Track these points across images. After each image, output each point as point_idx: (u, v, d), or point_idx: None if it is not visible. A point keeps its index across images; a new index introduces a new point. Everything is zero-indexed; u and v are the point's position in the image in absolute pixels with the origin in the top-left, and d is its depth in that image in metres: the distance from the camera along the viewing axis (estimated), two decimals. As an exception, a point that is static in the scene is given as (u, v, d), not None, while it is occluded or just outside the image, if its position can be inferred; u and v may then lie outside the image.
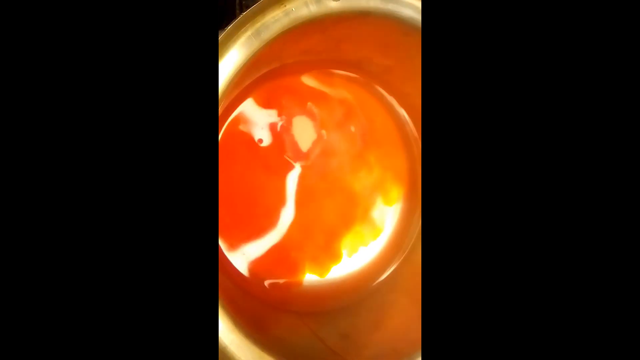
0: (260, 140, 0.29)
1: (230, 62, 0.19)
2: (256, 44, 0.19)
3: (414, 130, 0.32)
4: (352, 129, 0.31)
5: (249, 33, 0.19)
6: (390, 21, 0.23)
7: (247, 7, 0.20)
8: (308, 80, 0.30)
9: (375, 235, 0.32)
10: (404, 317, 0.28)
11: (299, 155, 0.30)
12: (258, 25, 0.19)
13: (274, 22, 0.19)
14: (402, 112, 0.32)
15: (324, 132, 0.30)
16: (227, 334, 0.22)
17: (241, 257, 0.30)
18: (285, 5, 0.19)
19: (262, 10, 0.19)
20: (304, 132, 0.30)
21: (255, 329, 0.24)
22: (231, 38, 0.19)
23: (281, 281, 0.30)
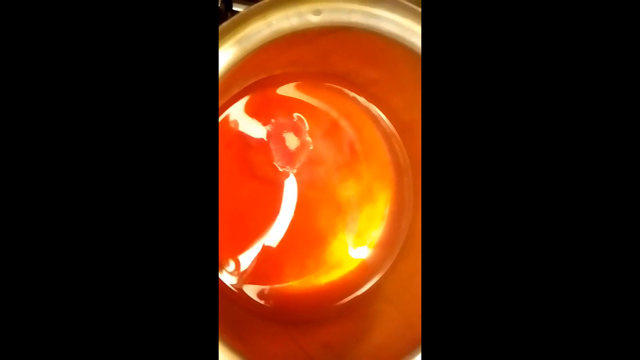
0: (248, 149, 0.30)
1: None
2: (238, 54, 0.20)
3: (401, 143, 0.32)
4: (341, 139, 0.32)
5: (230, 42, 0.20)
6: (372, 35, 0.23)
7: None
8: (296, 91, 0.30)
9: (361, 245, 0.32)
10: (389, 328, 0.28)
11: (287, 165, 0.31)
12: (239, 35, 0.20)
13: (255, 32, 0.20)
14: (389, 124, 0.32)
15: (312, 142, 0.31)
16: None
17: (224, 264, 0.30)
18: (266, 18, 0.20)
19: (244, 21, 0.20)
20: (292, 142, 0.31)
21: (234, 336, 0.24)
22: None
23: (265, 289, 0.31)
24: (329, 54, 0.27)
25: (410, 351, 0.24)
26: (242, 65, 0.21)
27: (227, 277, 0.30)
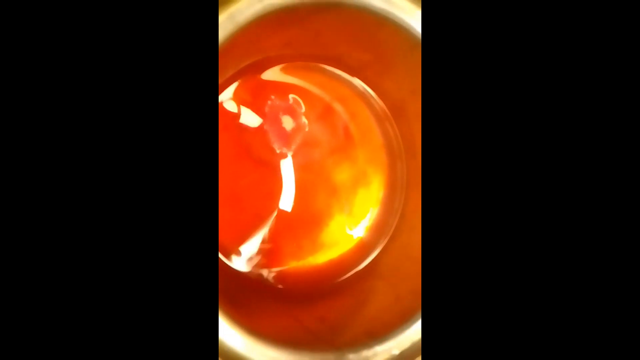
0: (244, 132, 0.31)
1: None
2: (230, 28, 0.20)
3: (394, 125, 0.33)
4: (335, 123, 0.32)
5: (223, 17, 0.21)
6: (363, 13, 0.24)
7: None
8: (290, 73, 0.31)
9: (357, 226, 0.33)
10: (380, 302, 0.29)
11: (284, 147, 0.31)
12: (232, 8, 0.21)
13: (247, 7, 0.21)
14: (383, 107, 0.33)
15: (306, 125, 0.32)
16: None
17: (223, 244, 0.31)
18: (256, -8, 0.21)
19: (235, -5, 0.21)
20: (288, 124, 0.31)
21: (235, 311, 0.25)
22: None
23: (264, 268, 0.31)
24: (322, 35, 0.27)
25: (400, 321, 0.25)
26: (235, 42, 0.22)
27: (222, 252, 0.31)
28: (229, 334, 0.23)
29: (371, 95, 0.32)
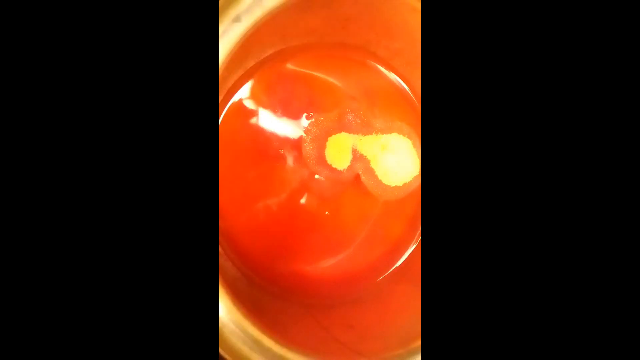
0: (264, 127, 0.29)
1: (232, 27, 0.19)
2: (258, 12, 0.19)
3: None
4: (362, 116, 0.30)
5: (249, 1, 0.19)
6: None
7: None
8: (315, 64, 0.29)
9: (385, 227, 0.31)
10: (412, 308, 0.27)
11: (305, 143, 0.30)
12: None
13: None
14: (413, 99, 0.31)
15: (331, 119, 0.30)
16: (226, 314, 0.22)
17: (244, 248, 0.29)
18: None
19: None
20: (309, 118, 0.30)
21: (255, 314, 0.23)
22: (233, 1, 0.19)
23: (285, 273, 0.30)
24: (348, 22, 0.26)
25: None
26: (260, 29, 0.20)
27: (244, 258, 0.29)
28: (254, 343, 0.22)
29: (402, 86, 0.30)
